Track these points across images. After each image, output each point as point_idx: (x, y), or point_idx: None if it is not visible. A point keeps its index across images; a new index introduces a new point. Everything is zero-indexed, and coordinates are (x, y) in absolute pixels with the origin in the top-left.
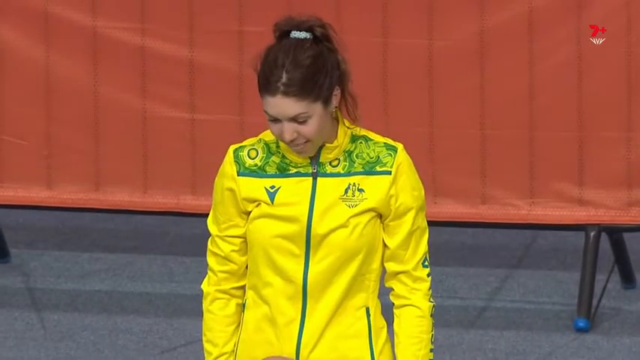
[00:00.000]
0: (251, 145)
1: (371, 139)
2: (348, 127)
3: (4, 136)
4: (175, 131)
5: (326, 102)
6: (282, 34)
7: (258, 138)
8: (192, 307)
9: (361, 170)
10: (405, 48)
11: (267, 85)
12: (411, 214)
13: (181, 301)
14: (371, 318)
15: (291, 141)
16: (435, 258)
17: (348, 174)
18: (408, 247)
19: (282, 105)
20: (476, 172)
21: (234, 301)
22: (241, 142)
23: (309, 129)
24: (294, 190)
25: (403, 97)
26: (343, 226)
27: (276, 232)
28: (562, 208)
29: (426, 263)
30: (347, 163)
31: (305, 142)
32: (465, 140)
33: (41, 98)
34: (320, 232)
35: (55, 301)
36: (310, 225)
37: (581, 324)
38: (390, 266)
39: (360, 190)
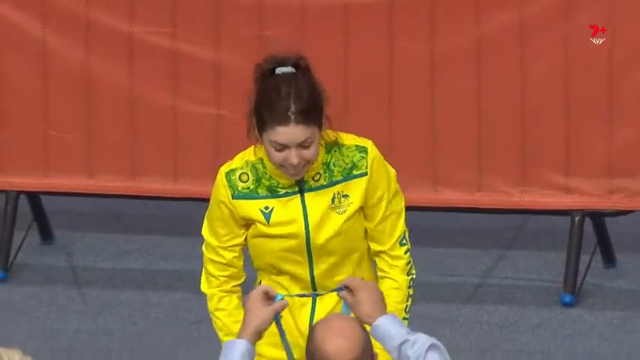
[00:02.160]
0: (240, 168)
1: (343, 145)
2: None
3: (49, 131)
4: (202, 126)
5: (320, 126)
6: (266, 72)
7: (244, 160)
8: None
9: (341, 178)
10: (409, 51)
11: (276, 116)
12: (384, 202)
13: None
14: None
15: (294, 166)
16: (435, 240)
17: (331, 184)
18: (385, 230)
19: (294, 133)
20: (473, 164)
21: (235, 296)
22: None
23: (311, 152)
24: (286, 209)
25: (406, 97)
26: (339, 233)
27: (277, 247)
28: (550, 195)
29: (404, 241)
30: (327, 175)
31: (304, 165)
32: (463, 135)
33: (82, 97)
34: (319, 242)
35: (94, 278)
36: (309, 238)
37: (567, 299)
38: (372, 245)
39: (345, 196)
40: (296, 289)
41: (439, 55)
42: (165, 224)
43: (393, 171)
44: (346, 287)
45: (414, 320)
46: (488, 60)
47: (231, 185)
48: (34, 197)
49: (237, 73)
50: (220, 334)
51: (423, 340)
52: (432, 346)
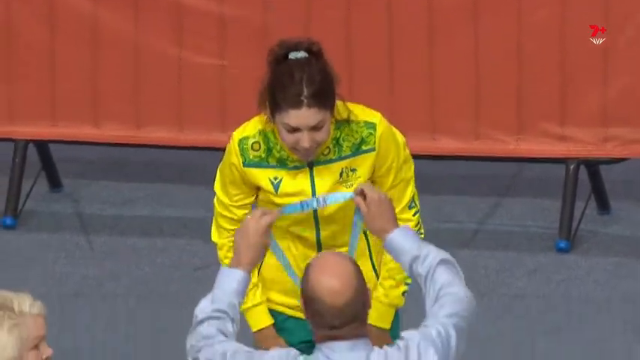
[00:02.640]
0: (253, 136)
1: (352, 121)
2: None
3: (58, 81)
4: (207, 77)
5: (332, 109)
6: (279, 57)
7: (257, 128)
8: None
9: (349, 153)
10: (408, 6)
11: (289, 99)
12: (393, 172)
13: (212, 224)
14: (369, 235)
15: (307, 149)
16: (435, 187)
17: (339, 158)
18: (393, 196)
19: (307, 116)
20: (470, 113)
21: None
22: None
23: (322, 135)
24: (294, 181)
25: (406, 51)
26: (345, 205)
27: (286, 221)
28: (545, 143)
29: (412, 204)
30: (336, 150)
31: (316, 147)
32: (461, 86)
33: (89, 49)
34: (326, 214)
35: (101, 224)
36: (316, 209)
37: (562, 245)
38: None
39: (353, 170)
40: (301, 248)
41: (437, 9)
42: (170, 172)
43: (402, 139)
44: (362, 193)
45: None
46: (485, 13)
47: (243, 153)
48: (42, 146)
49: (241, 25)
50: None
51: (433, 255)
52: (441, 261)
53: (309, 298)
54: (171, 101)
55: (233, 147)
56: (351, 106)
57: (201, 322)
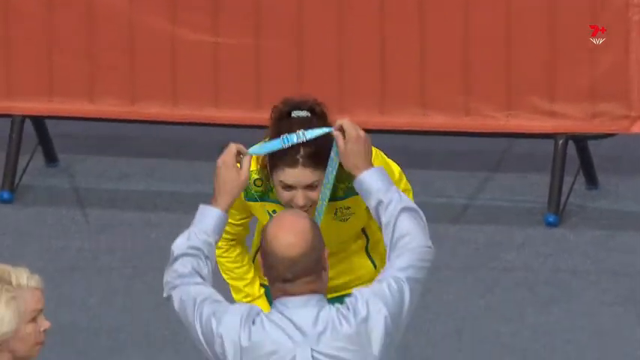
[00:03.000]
0: (256, 171)
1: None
2: None
3: (54, 57)
4: (201, 53)
5: (325, 167)
6: (283, 115)
7: (257, 165)
8: None
9: (342, 195)
10: None
11: (285, 158)
12: None
13: (206, 199)
14: (369, 234)
15: (300, 207)
16: (425, 163)
17: (334, 200)
18: None
19: (301, 175)
20: (460, 90)
21: (240, 244)
22: (259, 64)
23: (316, 194)
24: None
25: (396, 28)
26: (339, 235)
27: None
28: (535, 119)
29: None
30: (331, 193)
31: (311, 205)
32: (451, 63)
33: (85, 24)
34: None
35: (96, 199)
36: None
37: (551, 219)
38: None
39: (347, 208)
40: None
41: None
42: (164, 148)
43: (398, 171)
44: (341, 129)
45: None
46: None
47: (246, 187)
48: (38, 121)
49: (234, 1)
50: (225, 277)
51: (396, 201)
52: (404, 209)
53: (265, 253)
54: (166, 77)
55: None
56: None
57: (177, 258)
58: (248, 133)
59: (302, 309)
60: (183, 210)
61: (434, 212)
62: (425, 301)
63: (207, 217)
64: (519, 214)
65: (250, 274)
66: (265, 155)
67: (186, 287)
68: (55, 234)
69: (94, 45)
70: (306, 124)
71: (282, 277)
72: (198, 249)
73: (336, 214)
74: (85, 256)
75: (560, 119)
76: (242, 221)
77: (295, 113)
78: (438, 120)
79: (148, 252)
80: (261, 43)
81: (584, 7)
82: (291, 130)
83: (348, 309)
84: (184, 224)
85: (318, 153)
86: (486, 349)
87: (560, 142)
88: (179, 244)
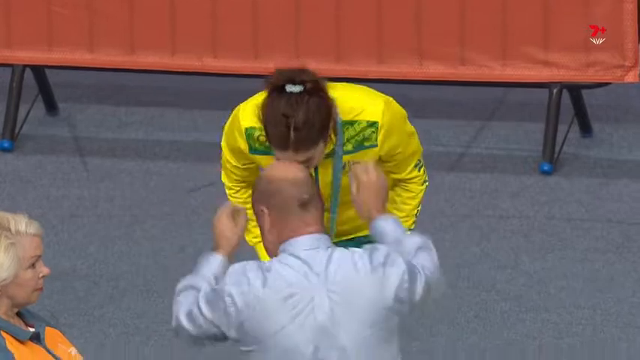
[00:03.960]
0: (260, 129)
1: (355, 122)
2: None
3: (54, 7)
4: (199, 3)
5: (325, 139)
6: (277, 87)
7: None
8: (214, 153)
9: (352, 149)
10: None
11: (277, 142)
12: (400, 154)
13: (205, 147)
14: None
15: None
16: (422, 112)
17: (342, 153)
18: (401, 166)
19: (292, 157)
20: (456, 39)
21: (250, 189)
22: (256, 14)
23: (314, 162)
24: None
25: None
26: (347, 189)
27: None
28: (529, 68)
29: (418, 164)
30: (342, 149)
31: (310, 167)
32: (446, 12)
33: None
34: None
35: (96, 147)
36: (337, 192)
37: (546, 167)
38: (389, 175)
39: (355, 163)
40: None
41: None
42: (163, 97)
43: (403, 114)
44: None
45: None
46: None
47: (249, 141)
48: (38, 71)
49: None
50: None
51: (411, 242)
52: (419, 249)
53: (269, 193)
54: (164, 27)
55: (239, 129)
56: (355, 96)
57: (179, 293)
58: (246, 82)
59: (314, 250)
60: (182, 158)
61: (430, 161)
62: None
63: (211, 263)
64: (514, 163)
65: None
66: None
67: (186, 302)
68: (55, 182)
69: None
70: (298, 104)
71: (300, 200)
72: (199, 287)
73: (344, 167)
74: (84, 204)
75: (555, 69)
76: (247, 166)
77: (289, 88)
78: (434, 69)
79: (147, 200)
80: None
81: None
82: (280, 114)
83: (365, 253)
84: (183, 173)
85: (308, 137)
86: (482, 295)
87: (555, 91)
88: (182, 284)
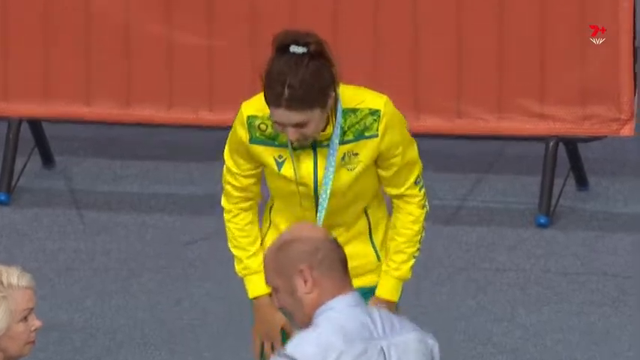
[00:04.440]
0: (262, 118)
1: (357, 110)
2: (338, 103)
3: (51, 60)
4: (195, 57)
5: (323, 107)
6: (282, 47)
7: (266, 110)
8: (210, 206)
9: (352, 138)
10: None
11: (271, 99)
12: (400, 155)
13: (200, 200)
14: (369, 214)
15: (293, 140)
16: None
17: (342, 143)
18: (400, 176)
19: (286, 116)
20: (452, 92)
21: (251, 213)
22: (254, 68)
23: (309, 130)
24: (298, 162)
25: (391, 31)
26: (344, 186)
27: (288, 189)
28: (526, 121)
29: (419, 181)
30: (341, 137)
31: (306, 138)
32: (443, 65)
33: (82, 28)
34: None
35: (92, 201)
36: (316, 187)
37: (542, 220)
38: (389, 190)
39: (355, 154)
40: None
41: None
42: (159, 150)
43: (403, 118)
44: None
45: None
46: None
47: (250, 129)
48: (35, 124)
49: (230, 5)
50: (230, 245)
51: None
52: None
53: (310, 251)
54: (161, 80)
55: (241, 119)
56: (358, 90)
57: None
58: None
59: (359, 307)
60: (178, 211)
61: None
62: (418, 300)
63: None
64: (511, 216)
65: (254, 247)
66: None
67: None
68: (51, 235)
69: (90, 48)
70: (297, 64)
71: (342, 259)
72: None
73: (343, 159)
74: (80, 257)
75: (551, 122)
76: (250, 172)
77: (293, 48)
78: (430, 122)
79: (143, 253)
80: (256, 46)
81: (575, 11)
82: (279, 71)
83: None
84: (179, 226)
85: (303, 96)
86: (478, 348)
87: (551, 144)
88: None
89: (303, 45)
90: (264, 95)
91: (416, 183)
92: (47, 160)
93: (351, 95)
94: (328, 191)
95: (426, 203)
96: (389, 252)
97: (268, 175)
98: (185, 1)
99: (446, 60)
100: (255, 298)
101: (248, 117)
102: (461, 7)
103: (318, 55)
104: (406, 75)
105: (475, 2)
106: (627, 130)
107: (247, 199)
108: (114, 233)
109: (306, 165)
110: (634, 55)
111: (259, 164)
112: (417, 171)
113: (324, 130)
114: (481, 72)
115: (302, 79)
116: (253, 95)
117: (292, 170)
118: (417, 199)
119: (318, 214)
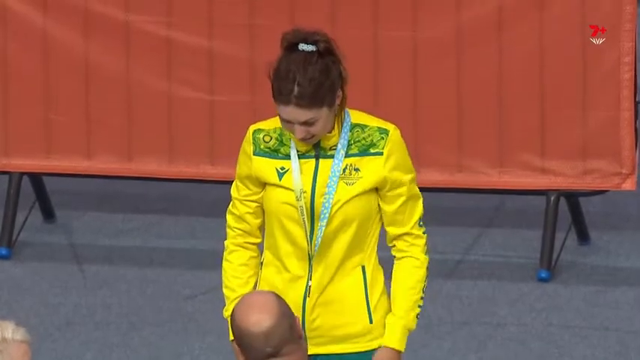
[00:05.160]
0: (266, 131)
1: (366, 126)
2: (346, 115)
3: (51, 115)
4: (196, 110)
5: (330, 105)
6: (290, 45)
7: (273, 125)
8: (210, 260)
9: (356, 152)
10: (393, 39)
11: (280, 96)
12: (405, 187)
13: (201, 255)
14: (367, 273)
15: (300, 139)
16: None
17: (345, 155)
18: (405, 212)
19: (295, 113)
20: (453, 146)
21: (248, 253)
22: (254, 121)
23: (317, 128)
24: (299, 170)
25: (389, 84)
26: (341, 200)
27: (284, 199)
28: (527, 175)
29: (421, 223)
30: (345, 149)
31: (312, 137)
32: (443, 118)
33: (82, 83)
34: (321, 204)
35: (93, 255)
36: (313, 198)
37: (543, 275)
38: (391, 230)
39: (356, 170)
40: (294, 262)
41: (421, 43)
42: (160, 204)
43: (408, 154)
44: None
45: None
46: (467, 47)
47: (255, 142)
48: (36, 178)
49: (229, 60)
50: (222, 285)
51: None
52: None
53: (240, 338)
54: (162, 134)
55: (247, 137)
56: (370, 115)
57: None
58: None
59: None
60: (179, 266)
61: (428, 268)
62: (419, 355)
63: None
64: (512, 270)
65: (244, 290)
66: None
67: None
68: (52, 289)
69: (91, 102)
70: (306, 62)
71: (263, 353)
72: None
73: (344, 171)
74: (81, 311)
75: (552, 176)
76: (248, 198)
77: (301, 46)
78: (431, 177)
79: (144, 307)
80: (256, 101)
81: (575, 66)
82: (288, 68)
83: None
84: (180, 280)
85: (312, 93)
86: None
87: (552, 198)
88: None
89: (312, 43)
90: (273, 92)
91: (420, 225)
92: (48, 214)
93: (362, 115)
94: (331, 201)
95: (427, 250)
96: (394, 300)
97: (267, 196)
98: (186, 56)
99: (446, 114)
100: (233, 341)
101: (254, 132)
102: (460, 61)
103: (327, 53)
104: (406, 128)
105: (475, 56)
106: (629, 185)
107: (244, 234)
108: (115, 287)
109: (307, 175)
110: (635, 109)
111: (259, 188)
112: (420, 208)
113: (330, 132)
114: (482, 126)
115: (311, 76)
116: None
117: (293, 180)
118: (421, 242)
119: (317, 233)
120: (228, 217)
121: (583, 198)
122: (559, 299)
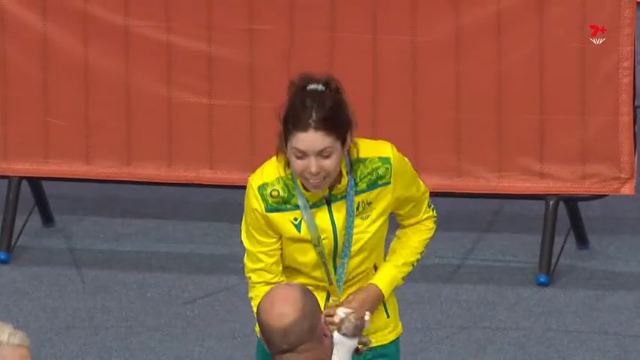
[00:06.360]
0: (271, 184)
1: (365, 159)
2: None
3: (49, 118)
4: (195, 114)
5: (343, 143)
6: (298, 88)
7: (275, 176)
8: (209, 264)
9: (365, 188)
10: (392, 43)
11: (298, 122)
12: (412, 192)
13: (201, 259)
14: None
15: (314, 175)
16: None
17: (356, 193)
18: (416, 208)
19: (313, 139)
20: (452, 151)
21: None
22: (253, 126)
23: (330, 163)
24: (314, 220)
25: (389, 90)
26: (362, 239)
27: (305, 257)
28: (526, 180)
29: (430, 203)
30: (353, 190)
31: (324, 177)
32: (443, 123)
33: (81, 87)
34: (342, 244)
35: (92, 259)
36: (336, 239)
37: (542, 279)
38: (407, 223)
39: (369, 204)
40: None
41: (420, 47)
42: (159, 208)
43: (406, 159)
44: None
45: (400, 301)
46: (466, 51)
47: (264, 199)
48: (35, 183)
49: (228, 64)
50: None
51: None
52: None
53: (261, 327)
54: (161, 138)
55: (253, 193)
56: (359, 140)
57: None
58: (242, 194)
59: None
60: (178, 270)
61: (426, 272)
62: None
63: None
64: (511, 274)
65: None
66: (282, 127)
67: None
68: (52, 294)
69: (91, 107)
70: (319, 95)
71: (280, 349)
72: None
73: (357, 208)
74: (80, 315)
75: (551, 181)
76: (274, 247)
77: (311, 86)
78: (430, 181)
79: (143, 312)
80: (255, 105)
81: (574, 70)
82: (303, 101)
83: None
84: (179, 284)
85: (330, 118)
86: None
87: (551, 203)
88: None
89: (322, 84)
90: (287, 128)
91: (429, 206)
92: (47, 218)
93: (355, 147)
94: (351, 239)
95: (436, 215)
96: (395, 251)
97: (285, 247)
98: (185, 61)
99: (445, 118)
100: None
101: (258, 188)
102: (459, 66)
103: (337, 90)
104: (405, 133)
105: (474, 61)
106: (628, 189)
107: (269, 281)
108: (114, 292)
109: (324, 219)
110: (634, 114)
111: (278, 236)
112: (426, 197)
113: (339, 182)
114: (481, 130)
115: (329, 105)
116: (252, 154)
117: (307, 230)
118: (430, 216)
119: (338, 271)
120: (251, 274)
121: (582, 202)
122: (558, 303)
